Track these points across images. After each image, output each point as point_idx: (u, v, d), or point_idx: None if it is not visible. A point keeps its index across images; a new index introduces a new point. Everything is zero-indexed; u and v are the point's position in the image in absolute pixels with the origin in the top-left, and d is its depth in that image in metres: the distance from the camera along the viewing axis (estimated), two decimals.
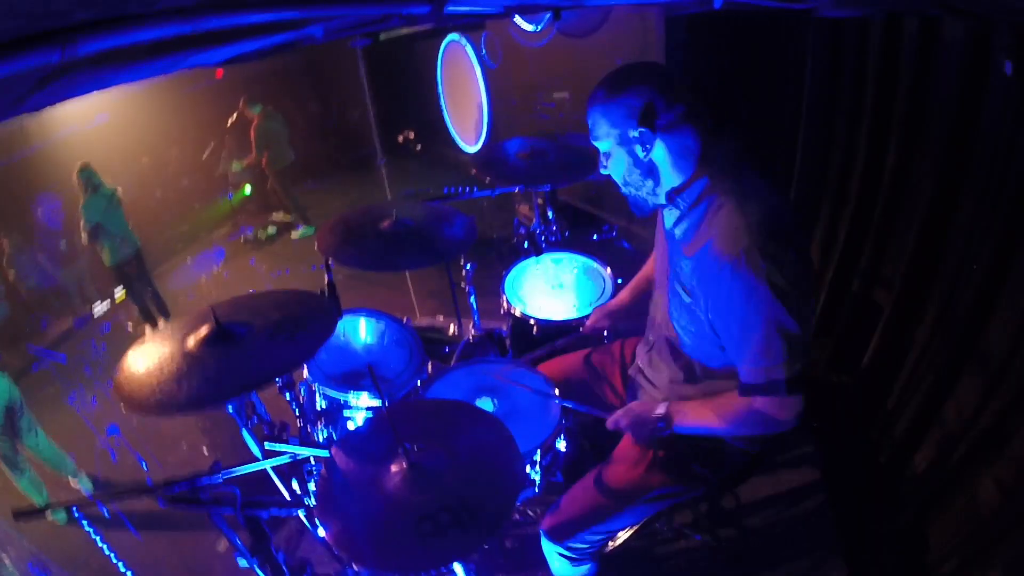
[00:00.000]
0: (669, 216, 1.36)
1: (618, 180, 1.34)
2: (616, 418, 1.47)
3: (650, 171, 1.27)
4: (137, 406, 1.19)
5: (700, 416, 1.36)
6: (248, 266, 5.80)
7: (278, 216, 6.40)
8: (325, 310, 1.48)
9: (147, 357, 1.31)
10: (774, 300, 1.14)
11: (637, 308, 1.88)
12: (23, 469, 2.85)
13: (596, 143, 1.32)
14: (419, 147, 6.49)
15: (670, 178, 1.28)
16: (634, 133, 1.22)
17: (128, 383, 1.24)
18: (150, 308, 4.60)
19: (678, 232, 1.34)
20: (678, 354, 1.46)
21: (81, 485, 3.04)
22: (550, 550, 1.64)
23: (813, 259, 2.65)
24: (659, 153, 1.25)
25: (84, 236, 4.20)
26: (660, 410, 1.40)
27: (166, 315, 4.64)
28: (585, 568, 1.67)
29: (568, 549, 1.59)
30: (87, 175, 4.09)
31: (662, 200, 1.32)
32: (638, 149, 1.24)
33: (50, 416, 3.73)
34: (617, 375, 1.83)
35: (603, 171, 1.36)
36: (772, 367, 1.20)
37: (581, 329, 1.99)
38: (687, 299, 1.33)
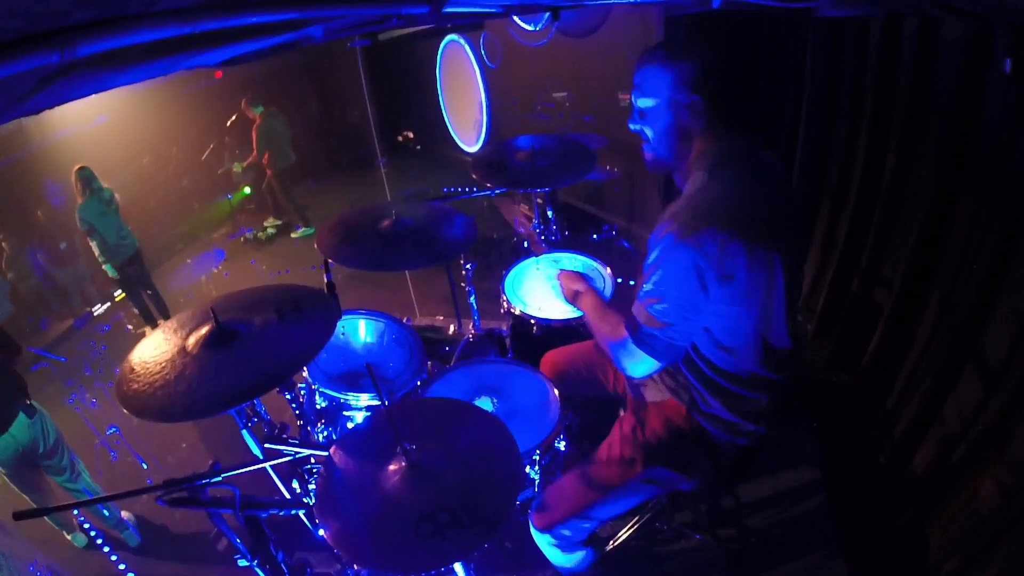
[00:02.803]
0: (678, 177, 1.40)
1: (648, 137, 1.36)
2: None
3: (686, 136, 1.31)
4: (141, 412, 1.19)
5: (594, 312, 1.53)
6: (248, 266, 5.80)
7: (269, 222, 6.38)
8: (320, 295, 1.49)
9: (148, 361, 1.31)
10: (673, 263, 1.21)
11: None
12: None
13: (640, 98, 1.34)
14: (418, 147, 6.52)
15: (694, 152, 1.32)
16: (685, 100, 1.26)
17: (130, 389, 1.24)
18: (149, 308, 4.60)
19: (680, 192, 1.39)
20: None
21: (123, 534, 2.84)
22: (541, 540, 1.66)
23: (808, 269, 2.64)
24: (700, 120, 1.28)
25: (95, 249, 4.19)
26: (581, 286, 1.66)
27: (166, 316, 4.64)
28: (580, 555, 1.68)
29: (557, 536, 1.60)
30: (86, 176, 4.09)
31: (677, 165, 1.37)
32: (684, 114, 1.28)
33: (50, 416, 3.73)
34: None
35: (633, 126, 1.38)
36: (639, 307, 1.29)
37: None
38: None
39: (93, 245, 4.22)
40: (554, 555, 1.68)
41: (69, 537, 2.73)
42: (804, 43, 2.72)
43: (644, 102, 1.33)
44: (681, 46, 1.29)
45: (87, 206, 4.09)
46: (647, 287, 1.28)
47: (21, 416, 2.44)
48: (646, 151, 1.39)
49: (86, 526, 2.76)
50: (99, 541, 2.70)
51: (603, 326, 1.46)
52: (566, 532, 1.59)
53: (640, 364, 1.34)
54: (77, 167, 4.08)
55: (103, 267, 4.30)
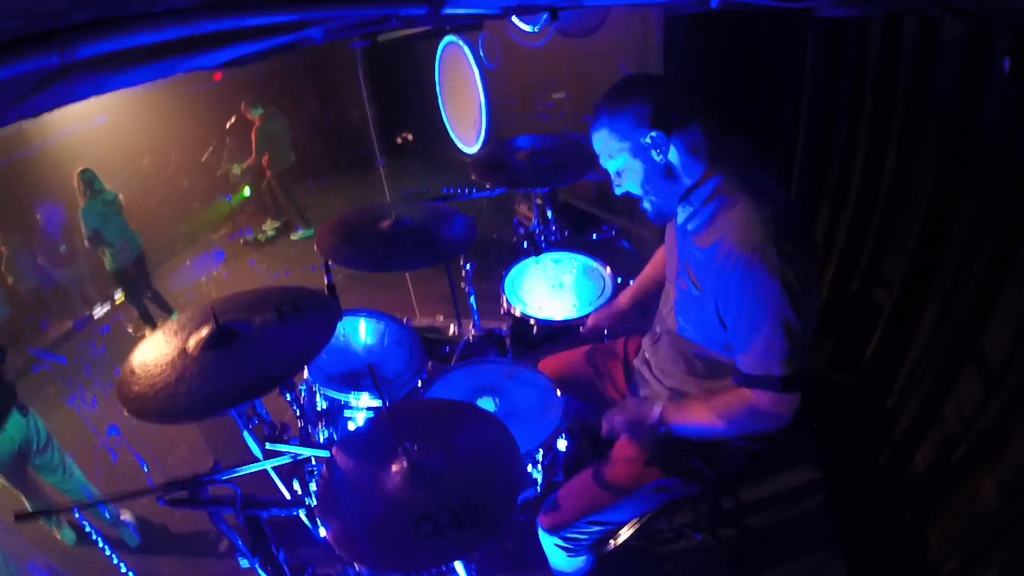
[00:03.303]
0: (681, 212, 1.37)
1: (637, 192, 1.34)
2: (611, 419, 1.48)
3: (668, 173, 1.29)
4: (142, 413, 1.19)
5: (698, 415, 1.37)
6: (248, 267, 5.80)
7: (268, 224, 6.38)
8: (320, 296, 1.49)
9: (149, 362, 1.31)
10: (784, 297, 1.16)
11: (637, 311, 1.91)
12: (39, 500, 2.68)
13: (608, 162, 1.33)
14: (418, 147, 6.54)
15: (686, 178, 1.30)
16: (646, 140, 1.24)
17: (131, 390, 1.24)
18: (149, 310, 4.59)
19: (690, 227, 1.35)
20: (682, 348, 1.48)
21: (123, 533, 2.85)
22: (547, 541, 1.64)
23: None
24: (673, 154, 1.26)
25: (86, 242, 4.20)
26: (655, 411, 1.41)
27: (169, 313, 4.64)
28: (581, 560, 1.67)
29: (565, 540, 1.59)
30: (88, 178, 4.07)
31: (674, 210, 1.35)
32: (654, 154, 1.26)
33: (50, 417, 3.73)
34: (619, 371, 1.84)
35: (618, 190, 1.36)
36: (773, 362, 1.21)
37: (581, 330, 2.01)
38: (696, 292, 1.34)
39: (101, 250, 4.20)
40: (558, 558, 1.67)
41: (58, 535, 2.73)
42: (804, 43, 2.72)
43: (613, 164, 1.32)
44: (619, 93, 1.27)
45: (90, 209, 4.07)
46: (764, 337, 1.20)
47: (16, 414, 2.46)
48: (644, 208, 1.37)
49: (87, 529, 2.76)
50: (100, 543, 2.69)
51: (724, 415, 1.32)
52: (576, 536, 1.58)
53: (793, 410, 1.26)
54: (79, 169, 4.07)
55: (103, 260, 4.29)
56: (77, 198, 4.13)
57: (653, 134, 1.23)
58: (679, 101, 1.23)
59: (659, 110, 1.22)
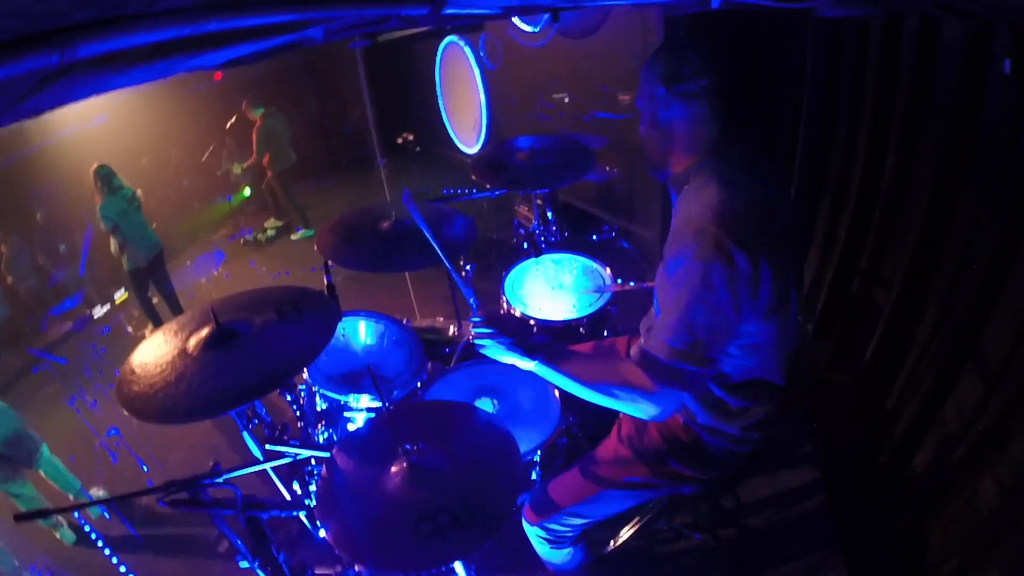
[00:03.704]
0: (673, 188, 1.39)
1: (642, 135, 1.37)
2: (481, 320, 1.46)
3: (665, 136, 1.30)
4: (142, 414, 1.19)
5: (573, 370, 1.32)
6: (248, 267, 5.80)
7: (270, 223, 6.37)
8: (320, 296, 1.50)
9: (149, 362, 1.31)
10: (697, 287, 1.14)
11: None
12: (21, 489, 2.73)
13: (638, 99, 1.35)
14: (418, 148, 6.54)
15: (680, 154, 1.31)
16: (658, 93, 1.26)
17: (131, 390, 1.24)
18: (155, 310, 4.55)
19: (677, 203, 1.37)
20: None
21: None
22: (530, 532, 1.65)
23: (793, 277, 2.63)
24: (675, 118, 1.27)
25: (112, 244, 4.11)
26: (536, 339, 1.40)
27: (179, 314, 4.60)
28: (566, 552, 1.67)
29: (545, 530, 1.60)
30: (105, 174, 3.96)
31: (667, 173, 1.36)
32: (661, 110, 1.28)
33: (50, 417, 3.74)
34: None
35: (641, 128, 1.39)
36: (661, 343, 1.18)
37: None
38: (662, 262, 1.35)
39: (112, 242, 4.13)
40: (543, 549, 1.68)
41: (57, 535, 2.74)
42: (804, 43, 2.72)
43: (639, 102, 1.34)
44: (671, 47, 1.28)
45: (109, 204, 4.00)
46: (669, 318, 1.18)
47: None
48: (647, 155, 1.40)
49: (87, 529, 2.76)
50: (100, 544, 2.69)
51: (599, 375, 1.29)
52: (556, 527, 1.59)
53: (668, 406, 1.23)
54: (95, 166, 3.97)
55: (121, 260, 4.23)
56: (94, 195, 4.01)
57: (662, 90, 1.25)
58: (701, 74, 1.22)
59: (675, 73, 1.23)
